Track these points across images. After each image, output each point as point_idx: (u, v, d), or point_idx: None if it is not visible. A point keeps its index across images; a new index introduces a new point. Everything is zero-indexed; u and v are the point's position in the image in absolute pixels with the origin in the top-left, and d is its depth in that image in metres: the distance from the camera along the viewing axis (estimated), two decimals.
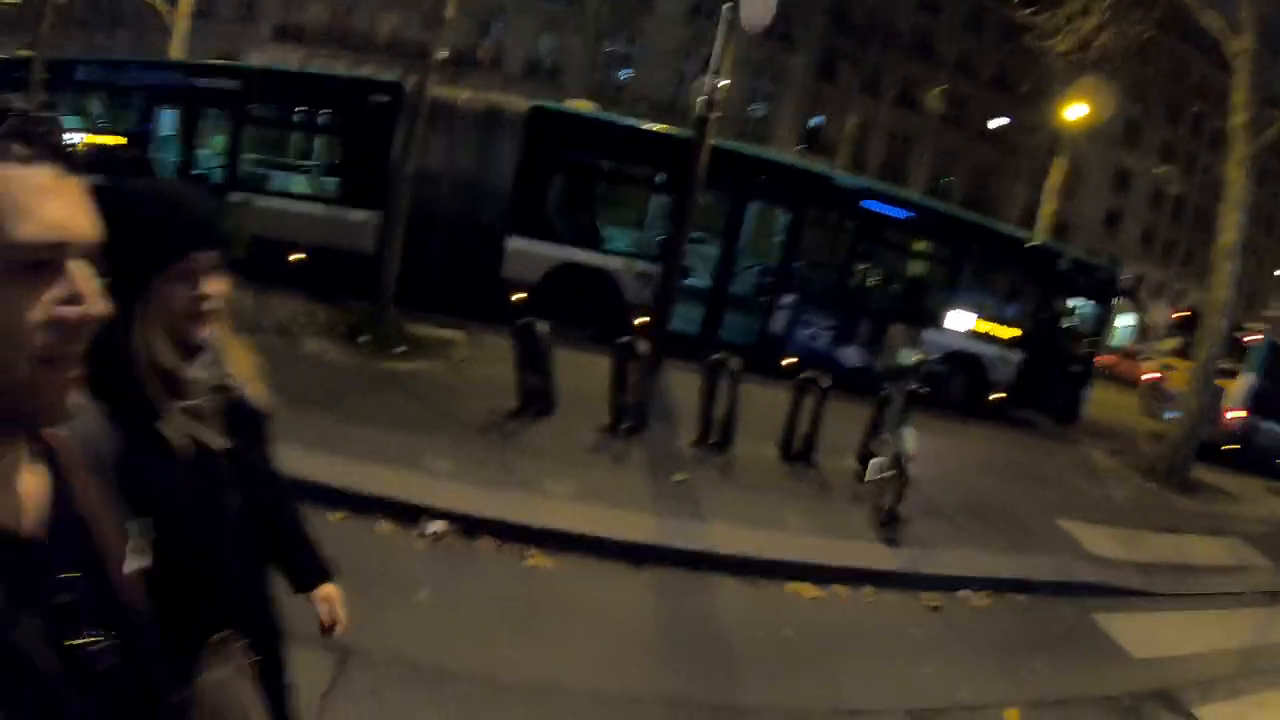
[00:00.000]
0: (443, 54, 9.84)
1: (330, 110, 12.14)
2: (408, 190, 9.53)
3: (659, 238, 11.28)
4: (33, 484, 0.83)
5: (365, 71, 23.95)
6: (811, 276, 12.74)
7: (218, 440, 1.40)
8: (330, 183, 12.00)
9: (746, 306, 12.11)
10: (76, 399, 0.80)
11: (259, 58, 29.83)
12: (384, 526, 5.15)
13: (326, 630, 1.77)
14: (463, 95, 11.56)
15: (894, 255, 13.36)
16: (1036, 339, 12.99)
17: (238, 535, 1.45)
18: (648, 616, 4.87)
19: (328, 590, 1.77)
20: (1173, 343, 16.59)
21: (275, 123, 12.92)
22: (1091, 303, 13.47)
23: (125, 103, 12.73)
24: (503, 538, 5.27)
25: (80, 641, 0.82)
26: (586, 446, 7.41)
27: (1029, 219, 34.31)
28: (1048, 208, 25.31)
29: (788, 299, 12.04)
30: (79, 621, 0.82)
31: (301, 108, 12.51)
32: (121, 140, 12.36)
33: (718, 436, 7.85)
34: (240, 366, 1.51)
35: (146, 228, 1.29)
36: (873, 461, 7.07)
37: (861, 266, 12.97)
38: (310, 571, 1.77)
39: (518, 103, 11.62)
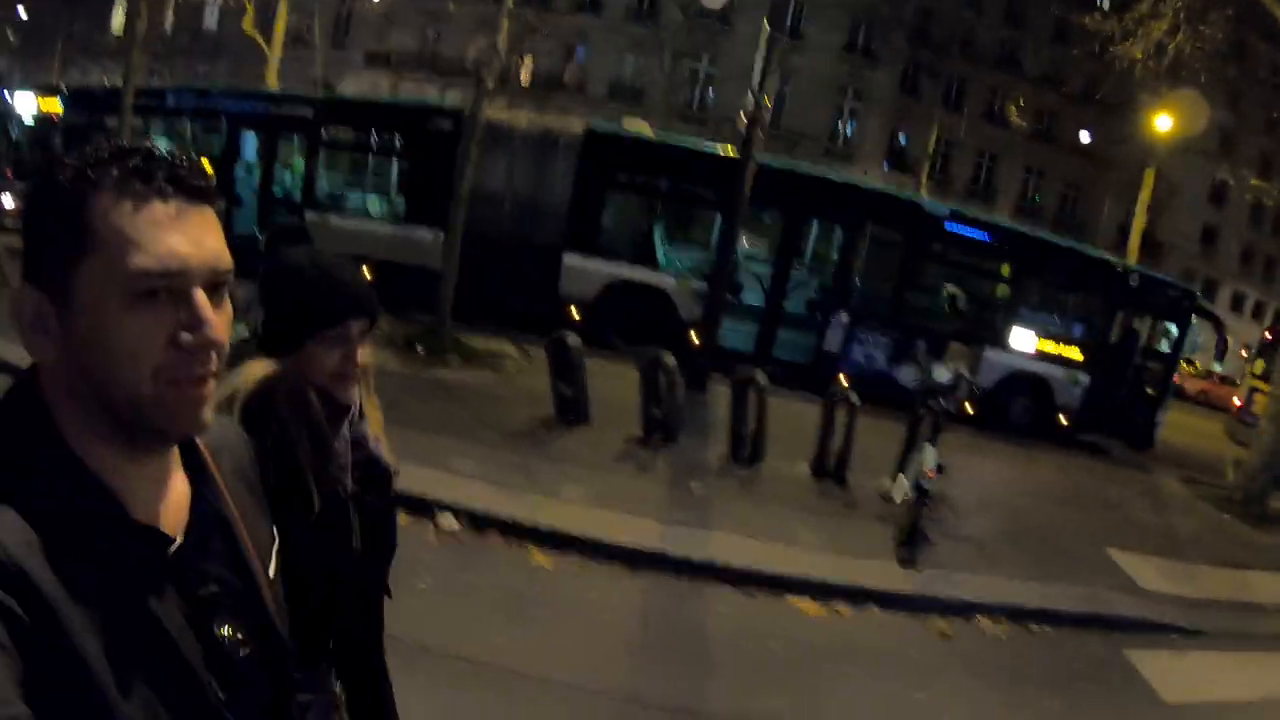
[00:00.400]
0: (491, 81, 10.27)
1: (398, 135, 12.87)
2: (463, 209, 9.93)
3: (711, 256, 11.40)
4: (178, 488, 0.89)
5: (451, 96, 25.12)
6: (866, 294, 12.52)
7: (350, 487, 1.52)
8: (398, 202, 12.74)
9: (799, 324, 12.05)
10: (210, 414, 0.84)
11: (351, 84, 31.29)
12: (400, 519, 5.34)
13: None
14: (521, 118, 12.08)
15: (953, 272, 12.98)
16: (1106, 360, 12.39)
17: (355, 577, 1.56)
18: (635, 619, 4.91)
19: None
20: (1261, 365, 15.54)
21: (348, 147, 13.70)
22: (1167, 323, 12.80)
23: (212, 128, 13.80)
24: (510, 536, 5.43)
25: (222, 632, 0.88)
26: (613, 454, 7.49)
27: (1121, 236, 32.74)
28: (1139, 223, 24.03)
29: (842, 317, 11.84)
30: (221, 613, 0.88)
31: (372, 133, 13.28)
32: (207, 163, 13.11)
33: (748, 451, 7.80)
34: (374, 424, 1.63)
35: (309, 294, 1.46)
36: (897, 480, 6.90)
37: (918, 284, 12.70)
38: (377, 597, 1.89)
39: (574, 124, 12.06)
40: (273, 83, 21.09)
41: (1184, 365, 26.43)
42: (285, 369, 1.44)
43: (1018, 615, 5.89)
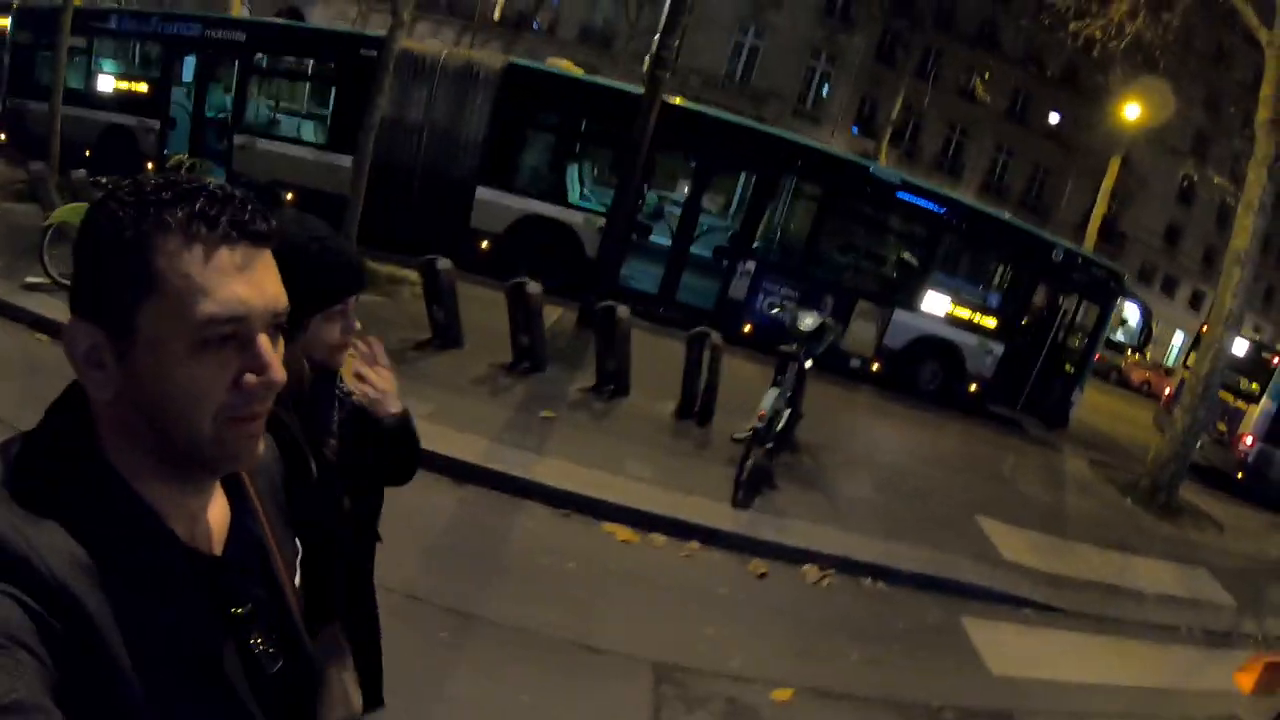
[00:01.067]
0: (408, 12, 9.97)
1: (323, 62, 12.58)
2: (371, 138, 9.51)
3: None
4: (218, 512, 0.91)
5: (421, 32, 24.21)
6: (774, 245, 12.24)
7: (335, 450, 1.55)
8: (321, 129, 12.49)
9: (705, 270, 11.77)
10: (261, 447, 0.86)
11: (318, 12, 29.94)
12: None
13: None
14: (442, 50, 11.83)
15: (867, 230, 12.55)
16: (1022, 333, 12.13)
17: (348, 535, 1.60)
18: (441, 525, 4.75)
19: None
20: (1194, 357, 15.24)
21: (276, 72, 13.41)
22: (1091, 302, 12.37)
23: (152, 50, 13.74)
24: None
25: (258, 646, 0.90)
26: (474, 378, 7.23)
27: (1084, 222, 32.47)
28: (1099, 210, 23.68)
29: (747, 266, 11.51)
30: (256, 629, 0.90)
31: (300, 59, 13.09)
32: (145, 85, 13.56)
33: (612, 387, 7.48)
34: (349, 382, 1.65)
35: (315, 275, 1.40)
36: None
37: (830, 238, 12.29)
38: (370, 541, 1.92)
39: (494, 59, 11.76)
40: (237, 8, 20.02)
41: (1129, 355, 26.44)
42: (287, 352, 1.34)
43: (849, 568, 5.57)
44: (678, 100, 11.48)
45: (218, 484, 0.91)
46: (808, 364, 6.83)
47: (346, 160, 10.15)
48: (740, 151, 11.91)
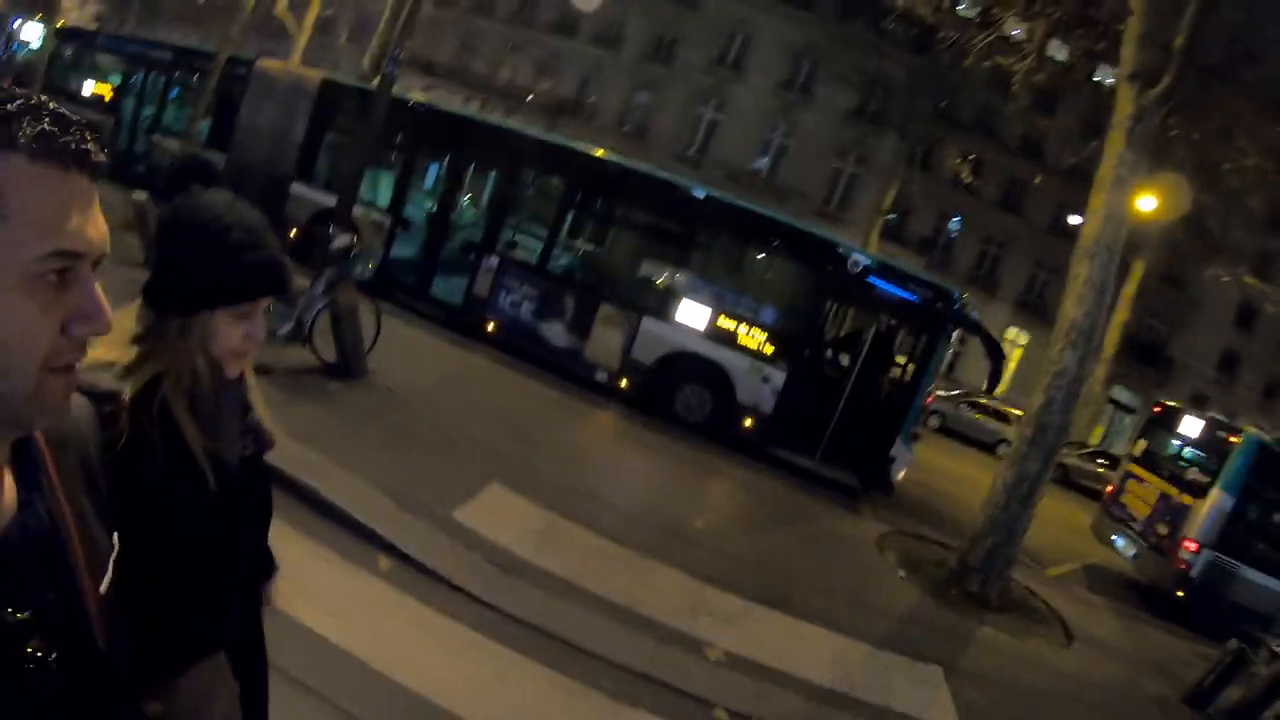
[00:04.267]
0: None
1: (213, 77, 13.79)
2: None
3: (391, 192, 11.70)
4: (4, 494, 0.76)
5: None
6: (515, 242, 11.06)
7: (236, 460, 1.34)
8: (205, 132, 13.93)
9: (455, 266, 10.98)
10: (70, 403, 0.77)
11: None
12: None
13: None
14: (281, 68, 13.15)
15: (612, 225, 11.24)
16: (812, 362, 9.92)
17: (245, 549, 1.41)
18: None
19: (276, 584, 1.64)
20: (1142, 445, 11.71)
21: (186, 85, 15.08)
22: (910, 330, 10.02)
23: (118, 64, 16.44)
24: None
25: (31, 658, 0.74)
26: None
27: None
28: (1119, 318, 20.30)
29: (490, 263, 10.51)
30: (33, 636, 0.74)
31: (198, 75, 14.34)
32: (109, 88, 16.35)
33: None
34: (255, 395, 1.43)
35: (226, 262, 1.22)
36: None
37: (575, 235, 11.26)
38: (264, 571, 1.61)
39: (316, 74, 12.74)
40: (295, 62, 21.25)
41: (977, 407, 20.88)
42: (178, 341, 1.21)
43: None
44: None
45: (4, 461, 0.75)
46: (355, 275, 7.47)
47: (218, 157, 12.06)
48: (485, 147, 11.49)
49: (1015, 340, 29.21)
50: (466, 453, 6.45)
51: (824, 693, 4.77)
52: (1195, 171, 19.22)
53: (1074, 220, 25.93)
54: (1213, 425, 10.58)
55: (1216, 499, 9.75)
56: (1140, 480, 11.14)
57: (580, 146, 11.02)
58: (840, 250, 9.58)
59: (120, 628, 0.87)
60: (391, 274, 10.98)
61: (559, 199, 10.85)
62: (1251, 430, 10.16)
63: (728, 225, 10.14)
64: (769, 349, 9.49)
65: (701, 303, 9.70)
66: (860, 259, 9.41)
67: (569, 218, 11.07)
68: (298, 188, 11.70)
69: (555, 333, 10.07)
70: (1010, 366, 28.93)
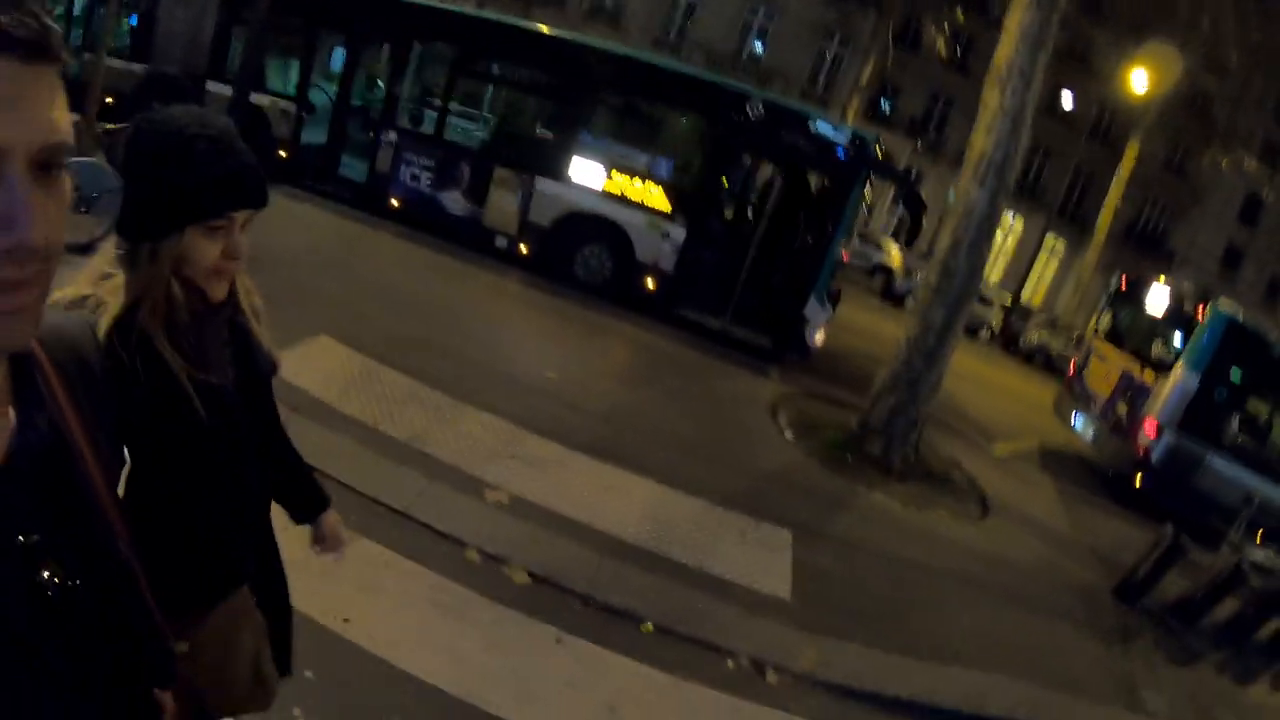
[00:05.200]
0: None
1: None
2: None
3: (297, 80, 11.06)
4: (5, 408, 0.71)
5: None
6: (413, 115, 10.31)
7: (229, 379, 1.26)
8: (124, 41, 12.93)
9: (358, 144, 10.35)
10: (34, 327, 0.66)
11: None
12: None
13: (325, 550, 1.64)
14: None
15: (502, 87, 10.69)
16: (713, 216, 9.01)
17: (249, 472, 1.33)
18: None
19: (331, 518, 1.63)
20: (1109, 319, 10.57)
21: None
22: (819, 179, 8.90)
23: None
24: None
25: (48, 579, 0.69)
26: None
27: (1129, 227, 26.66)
28: (1111, 199, 18.86)
29: (389, 137, 9.74)
30: (49, 557, 0.70)
31: None
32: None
33: None
34: (254, 313, 1.34)
35: (192, 175, 1.11)
36: None
37: (463, 102, 10.58)
38: (311, 502, 1.61)
39: None
40: None
41: (893, 251, 19.79)
42: (149, 267, 1.13)
43: None
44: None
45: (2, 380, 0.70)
46: None
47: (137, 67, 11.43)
48: (378, 23, 10.42)
49: (1011, 228, 27.67)
50: (310, 308, 5.78)
51: (618, 545, 3.95)
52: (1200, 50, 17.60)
53: (1066, 99, 24.16)
54: (1180, 295, 9.39)
55: (1180, 377, 8.67)
56: (1103, 357, 10.06)
57: (465, 10, 10.53)
58: (738, 94, 8.62)
59: (134, 542, 0.82)
60: (304, 160, 10.36)
61: (450, 67, 10.06)
62: (1224, 304, 8.98)
63: (618, 78, 9.32)
64: (667, 205, 8.65)
65: (596, 160, 8.92)
66: (760, 102, 8.40)
67: (461, 85, 10.33)
68: (213, 85, 10.87)
69: (455, 202, 9.36)
70: (1004, 251, 27.56)
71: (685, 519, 4.46)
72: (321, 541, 1.61)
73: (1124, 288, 10.44)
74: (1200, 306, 8.79)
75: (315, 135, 10.59)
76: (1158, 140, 22.34)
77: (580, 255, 8.97)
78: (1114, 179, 19.08)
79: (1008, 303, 20.63)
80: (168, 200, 1.09)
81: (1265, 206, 25.47)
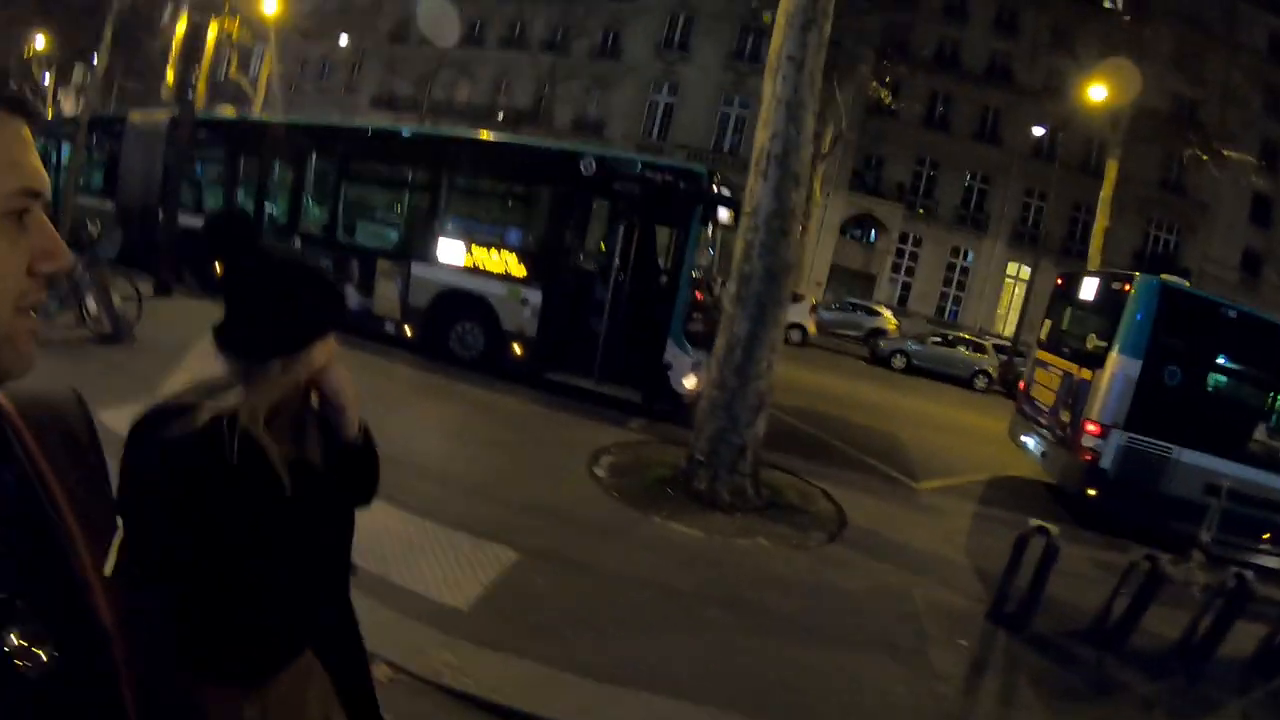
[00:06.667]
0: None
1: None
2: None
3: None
4: None
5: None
6: (310, 220, 10.71)
7: (320, 467, 1.36)
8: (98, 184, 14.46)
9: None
10: (32, 354, 0.72)
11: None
12: None
13: None
14: (143, 116, 13.61)
15: (368, 187, 10.80)
16: (563, 274, 8.84)
17: (326, 550, 1.41)
18: None
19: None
20: (1048, 327, 9.45)
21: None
22: (660, 222, 8.68)
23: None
24: None
25: (15, 645, 0.67)
26: None
27: (1139, 254, 25.24)
28: (1099, 225, 17.77)
29: (295, 244, 10.28)
30: (16, 620, 0.67)
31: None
32: None
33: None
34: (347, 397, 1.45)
35: (322, 300, 1.34)
36: None
37: (339, 202, 10.42)
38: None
39: (165, 115, 12.98)
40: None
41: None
42: (278, 379, 1.28)
43: None
44: None
45: None
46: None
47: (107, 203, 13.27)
48: (264, 144, 11.21)
49: (1018, 277, 26.48)
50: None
51: None
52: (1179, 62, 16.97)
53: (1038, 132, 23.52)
54: (1107, 279, 8.37)
55: (1116, 364, 7.61)
56: (1045, 366, 8.98)
57: (319, 122, 11.72)
58: (569, 154, 8.94)
59: (137, 614, 0.79)
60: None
61: (330, 175, 10.54)
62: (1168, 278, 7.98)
63: (459, 158, 9.69)
64: (523, 271, 8.76)
65: (455, 238, 9.18)
66: (590, 158, 8.59)
67: (342, 189, 10.50)
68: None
69: (350, 295, 9.55)
70: (1012, 302, 26.27)
71: (398, 536, 4.10)
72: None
73: (1061, 288, 9.44)
74: (1125, 285, 7.78)
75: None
76: (1146, 158, 21.27)
77: (454, 332, 9.07)
78: (1099, 202, 18.00)
79: (995, 342, 19.63)
80: (305, 320, 1.29)
81: (1277, 204, 23.77)
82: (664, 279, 8.30)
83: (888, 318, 21.83)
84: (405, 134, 10.65)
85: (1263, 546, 7.62)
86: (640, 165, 8.34)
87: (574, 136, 28.90)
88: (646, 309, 8.23)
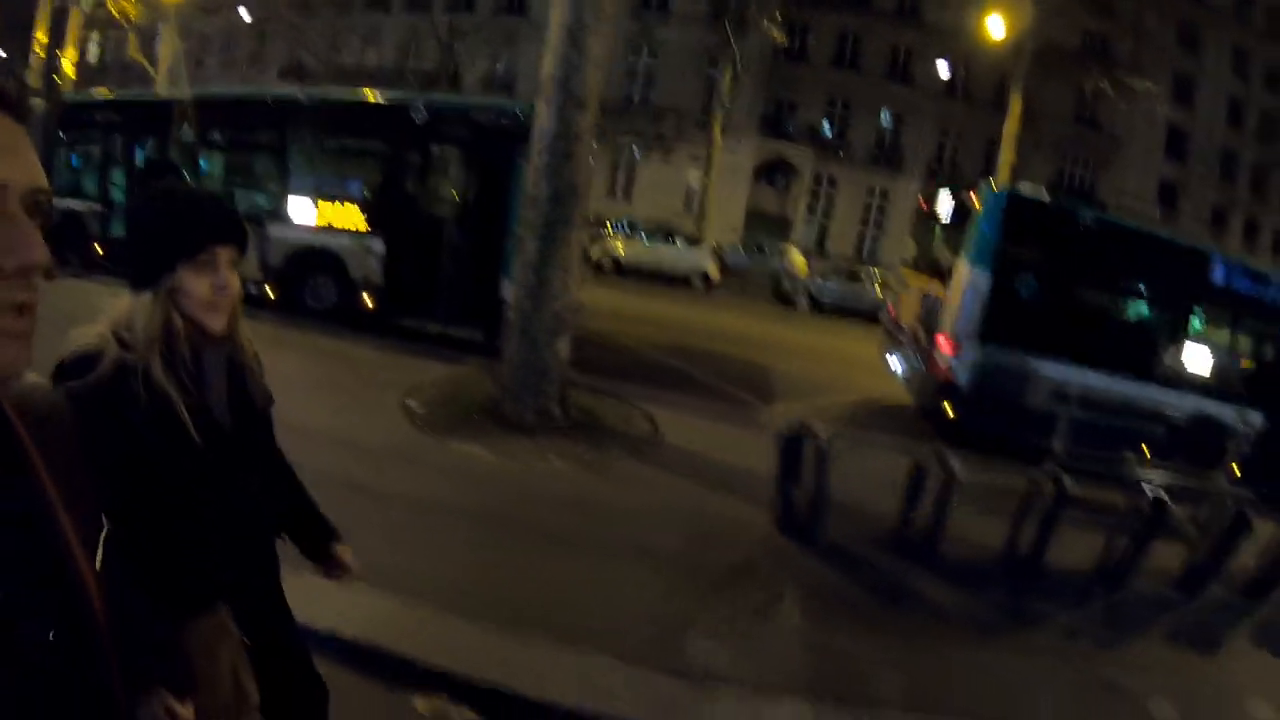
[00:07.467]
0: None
1: None
2: None
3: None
4: None
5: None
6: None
7: (228, 420, 1.38)
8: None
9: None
10: (31, 349, 0.72)
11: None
12: None
13: (337, 576, 1.70)
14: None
15: (223, 153, 10.85)
16: (398, 221, 9.02)
17: (248, 509, 1.43)
18: None
19: (340, 548, 1.68)
20: (913, 248, 9.42)
21: None
22: (487, 163, 8.76)
23: None
24: None
25: (17, 639, 0.69)
26: None
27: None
28: (1005, 158, 17.79)
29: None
30: (13, 614, 0.70)
31: None
32: None
33: None
34: (249, 354, 1.47)
35: (175, 222, 1.32)
36: None
37: (203, 171, 10.44)
38: (319, 536, 1.69)
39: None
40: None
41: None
42: (148, 308, 1.29)
43: None
44: None
45: None
46: None
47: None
48: (130, 120, 11.17)
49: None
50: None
51: None
52: None
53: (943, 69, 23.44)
54: (957, 193, 8.29)
55: (967, 278, 7.53)
56: (908, 286, 8.92)
57: (172, 96, 11.29)
58: (395, 104, 9.34)
59: (115, 606, 0.82)
60: (116, 252, 10.63)
61: (192, 144, 10.43)
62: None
63: (300, 118, 9.71)
64: (364, 222, 9.05)
65: (304, 195, 9.36)
66: (420, 105, 9.01)
67: (204, 157, 10.62)
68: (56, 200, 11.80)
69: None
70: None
71: None
72: (331, 572, 1.65)
73: (923, 209, 9.35)
74: (972, 193, 7.68)
75: (120, 229, 10.84)
76: (1060, 94, 21.27)
77: (308, 286, 9.21)
78: (1003, 136, 18.01)
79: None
80: (157, 245, 1.29)
81: (1190, 137, 24.15)
82: (496, 217, 8.23)
83: (795, 258, 21.65)
84: (248, 98, 11.04)
85: (1124, 456, 7.71)
86: (468, 108, 8.79)
87: (489, 93, 28.39)
88: (482, 248, 8.33)
